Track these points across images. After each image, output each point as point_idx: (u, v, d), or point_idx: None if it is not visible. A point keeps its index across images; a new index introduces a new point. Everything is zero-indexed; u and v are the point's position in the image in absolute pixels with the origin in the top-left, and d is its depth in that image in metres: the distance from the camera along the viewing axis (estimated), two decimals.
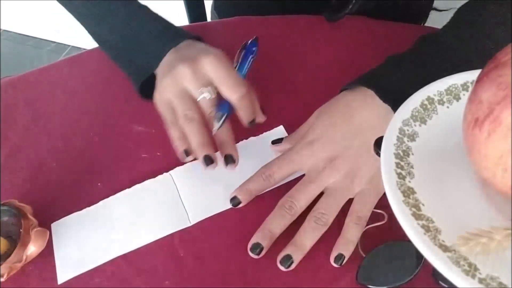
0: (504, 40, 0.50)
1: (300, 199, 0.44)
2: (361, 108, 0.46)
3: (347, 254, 0.42)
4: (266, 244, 0.42)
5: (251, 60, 0.52)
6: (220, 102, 0.47)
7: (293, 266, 0.42)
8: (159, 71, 0.49)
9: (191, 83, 0.46)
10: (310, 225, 0.43)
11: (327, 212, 0.43)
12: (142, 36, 0.51)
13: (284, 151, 0.48)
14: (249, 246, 0.43)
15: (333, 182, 0.44)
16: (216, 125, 0.46)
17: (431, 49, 0.48)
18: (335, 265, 0.42)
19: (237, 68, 0.51)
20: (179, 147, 0.47)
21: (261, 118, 0.51)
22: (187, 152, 0.47)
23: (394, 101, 0.44)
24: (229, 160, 0.47)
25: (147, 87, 0.50)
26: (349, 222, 0.43)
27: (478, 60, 0.45)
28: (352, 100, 0.47)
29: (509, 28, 0.47)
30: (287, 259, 0.42)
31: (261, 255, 0.42)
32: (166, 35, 0.51)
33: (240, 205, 0.46)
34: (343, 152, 0.45)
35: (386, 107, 0.45)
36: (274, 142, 0.50)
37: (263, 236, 0.43)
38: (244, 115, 0.47)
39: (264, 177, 0.45)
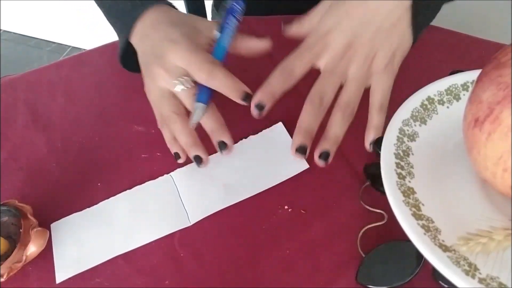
0: None
1: (327, 91, 0.43)
2: None
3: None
4: (308, 143, 0.42)
5: (235, 23, 0.48)
6: (198, 90, 0.45)
7: (330, 159, 0.43)
8: (141, 59, 0.49)
9: (166, 81, 0.45)
10: (338, 117, 0.43)
11: (351, 101, 0.43)
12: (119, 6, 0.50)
13: (295, 34, 0.47)
14: (294, 150, 0.42)
15: (352, 71, 0.44)
16: (192, 118, 0.44)
17: None
18: (369, 149, 0.44)
19: (220, 35, 0.48)
20: (170, 149, 0.47)
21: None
22: (177, 155, 0.47)
23: None
24: (222, 146, 0.46)
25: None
26: (374, 113, 0.44)
27: None
28: None
29: None
30: (325, 154, 0.42)
31: (306, 155, 0.43)
32: (134, 7, 0.49)
33: (265, 110, 0.44)
34: (360, 39, 0.44)
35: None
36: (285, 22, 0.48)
37: (304, 136, 0.42)
38: (228, 92, 0.44)
39: (286, 74, 0.44)
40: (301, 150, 0.42)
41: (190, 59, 0.44)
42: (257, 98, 0.43)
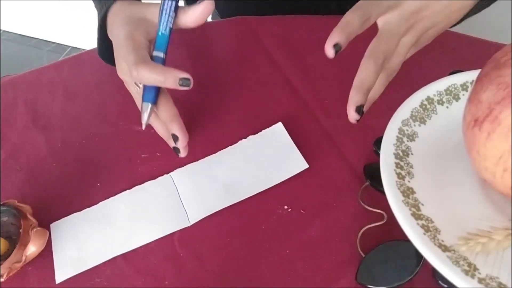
0: None
1: (390, 50, 0.41)
2: None
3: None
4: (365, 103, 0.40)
5: (171, 5, 0.44)
6: (143, 90, 0.44)
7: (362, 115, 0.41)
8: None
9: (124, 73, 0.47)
10: (383, 79, 0.43)
11: (397, 67, 0.43)
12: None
13: None
14: (353, 109, 0.40)
15: (408, 38, 0.42)
16: (143, 118, 0.44)
17: None
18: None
19: (160, 14, 0.44)
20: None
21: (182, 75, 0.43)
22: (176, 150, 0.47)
23: None
24: (174, 138, 0.46)
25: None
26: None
27: None
28: None
29: None
30: (360, 108, 0.40)
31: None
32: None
33: (341, 49, 0.41)
34: (428, 9, 0.42)
35: None
36: None
37: (365, 95, 0.40)
38: (162, 85, 0.43)
39: (363, 18, 0.40)
40: (359, 109, 0.40)
41: (127, 63, 0.44)
42: (334, 38, 0.40)
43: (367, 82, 0.40)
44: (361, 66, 0.40)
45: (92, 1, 0.54)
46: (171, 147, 0.47)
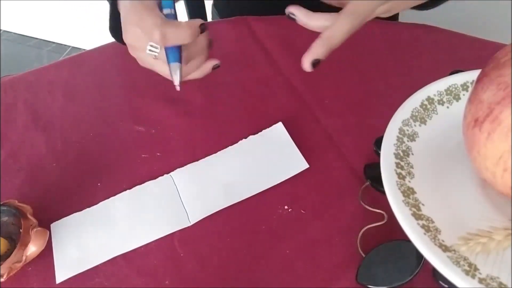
0: None
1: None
2: None
3: None
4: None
5: None
6: (166, 51, 0.43)
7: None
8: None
9: (140, 45, 0.44)
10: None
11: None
12: None
13: None
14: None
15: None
16: (175, 79, 0.43)
17: None
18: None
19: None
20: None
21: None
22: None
23: None
24: (216, 66, 0.45)
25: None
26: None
27: None
28: None
29: None
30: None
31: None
32: None
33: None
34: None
35: None
36: None
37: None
38: (184, 41, 0.42)
39: (348, 33, 0.39)
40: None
41: (142, 27, 0.42)
42: (314, 54, 0.39)
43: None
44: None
45: None
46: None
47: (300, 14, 0.42)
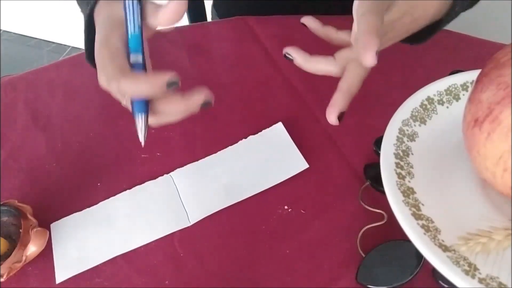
0: None
1: None
2: None
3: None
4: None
5: (133, 4, 0.39)
6: (131, 101, 0.39)
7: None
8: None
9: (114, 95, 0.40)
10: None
11: None
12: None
13: None
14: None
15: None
16: (139, 134, 0.39)
17: None
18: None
19: (124, 13, 0.39)
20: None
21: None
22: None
23: None
24: (207, 106, 0.39)
25: None
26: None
27: None
28: None
29: None
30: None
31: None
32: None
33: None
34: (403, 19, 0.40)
35: None
36: None
37: None
38: (149, 95, 0.38)
39: (361, 77, 0.39)
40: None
41: (106, 76, 0.39)
42: (338, 107, 0.39)
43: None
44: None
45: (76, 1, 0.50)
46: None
47: (298, 57, 0.42)
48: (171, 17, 0.39)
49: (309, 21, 0.45)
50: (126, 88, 0.37)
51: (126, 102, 0.39)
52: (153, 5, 0.40)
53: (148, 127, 0.40)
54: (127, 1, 0.38)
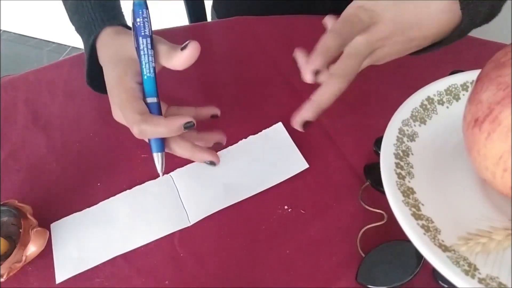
0: None
1: (348, 74, 0.40)
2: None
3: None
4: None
5: (147, 41, 0.40)
6: (149, 140, 0.42)
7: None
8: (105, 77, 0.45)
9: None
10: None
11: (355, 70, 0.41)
12: (80, 24, 0.49)
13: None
14: (299, 122, 0.41)
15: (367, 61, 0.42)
16: (158, 168, 0.42)
17: None
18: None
19: (139, 55, 0.41)
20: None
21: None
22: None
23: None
24: (212, 164, 0.44)
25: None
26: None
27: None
28: None
29: None
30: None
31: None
32: (87, 30, 0.47)
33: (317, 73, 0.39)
34: (399, 37, 0.41)
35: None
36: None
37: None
38: (164, 135, 0.41)
39: (341, 42, 0.38)
40: (305, 125, 0.41)
41: (123, 117, 0.42)
42: (314, 64, 0.38)
43: (325, 102, 0.40)
44: (327, 85, 0.40)
45: (75, 28, 0.51)
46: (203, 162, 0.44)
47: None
48: (185, 62, 0.41)
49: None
50: (147, 132, 0.40)
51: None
52: (165, 46, 0.41)
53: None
54: (141, 45, 0.40)
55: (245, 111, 0.54)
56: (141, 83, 0.41)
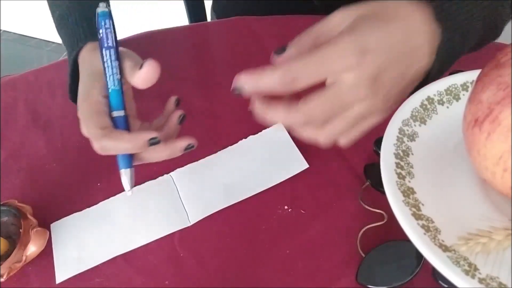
0: None
1: (320, 118, 0.35)
2: (420, 29, 0.36)
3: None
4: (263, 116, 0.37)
5: (110, 52, 0.39)
6: (116, 157, 0.40)
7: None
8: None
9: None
10: (316, 135, 0.36)
11: (338, 134, 0.37)
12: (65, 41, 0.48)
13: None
14: (249, 109, 0.38)
15: (362, 107, 0.36)
16: (125, 185, 0.40)
17: None
18: None
19: (104, 70, 0.39)
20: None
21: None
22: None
23: (450, 35, 0.36)
24: (188, 148, 0.41)
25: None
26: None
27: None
28: (411, 13, 0.36)
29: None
30: None
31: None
32: (71, 45, 0.46)
33: (243, 95, 0.38)
34: (389, 77, 0.35)
35: (438, 40, 0.36)
36: (277, 52, 0.38)
37: (265, 115, 0.37)
38: (131, 152, 0.40)
39: (283, 80, 0.34)
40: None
41: (88, 135, 0.40)
42: (238, 81, 0.37)
43: (274, 116, 0.37)
44: (284, 110, 0.36)
45: (62, 41, 0.50)
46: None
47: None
48: (144, 82, 0.39)
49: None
50: (108, 147, 0.39)
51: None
52: (130, 62, 0.39)
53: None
54: (104, 57, 0.38)
55: (245, 111, 0.54)
56: (107, 97, 0.40)
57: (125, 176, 0.40)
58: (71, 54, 0.45)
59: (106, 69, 0.39)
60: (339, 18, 0.39)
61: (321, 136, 0.37)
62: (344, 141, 0.37)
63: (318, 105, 0.35)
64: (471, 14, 0.37)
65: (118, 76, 0.39)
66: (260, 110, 0.37)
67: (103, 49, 0.38)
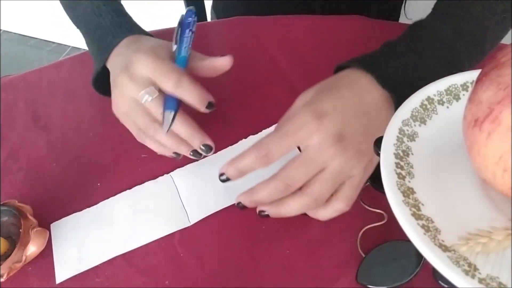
0: (499, 38, 0.49)
1: (299, 180, 0.40)
2: (367, 88, 0.42)
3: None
4: (248, 205, 0.42)
5: (191, 34, 0.48)
6: (166, 98, 0.44)
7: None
8: (111, 75, 0.49)
9: (133, 90, 0.44)
10: (300, 202, 0.40)
11: (323, 196, 0.40)
12: (96, 33, 0.51)
13: None
14: (236, 203, 0.42)
15: (335, 164, 0.40)
16: (165, 127, 0.43)
17: (428, 39, 0.46)
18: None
19: (177, 49, 0.47)
20: (165, 153, 0.47)
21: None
22: (176, 154, 0.47)
23: (393, 89, 0.42)
24: (207, 150, 0.46)
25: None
26: (335, 201, 0.41)
27: (473, 58, 0.45)
28: (356, 79, 0.43)
29: (508, 25, 0.47)
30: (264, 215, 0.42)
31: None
32: (112, 32, 0.50)
33: (230, 181, 0.42)
34: (353, 132, 0.41)
35: (386, 94, 0.43)
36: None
37: (251, 203, 0.41)
38: (193, 102, 0.44)
39: (258, 157, 0.40)
40: (240, 206, 0.42)
41: (156, 68, 0.44)
42: (223, 169, 0.42)
43: (260, 196, 0.41)
44: (264, 181, 0.41)
45: (88, 42, 0.53)
46: (170, 155, 0.47)
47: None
48: (215, 70, 0.47)
49: None
50: (186, 86, 0.43)
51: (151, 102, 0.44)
52: (198, 53, 0.48)
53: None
54: (186, 33, 0.48)
55: (245, 111, 0.54)
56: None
57: (168, 117, 0.43)
58: (112, 40, 0.49)
59: (182, 40, 0.47)
60: (299, 99, 0.45)
61: (309, 202, 0.40)
62: (340, 204, 0.41)
63: (294, 168, 0.40)
64: (402, 70, 0.44)
65: (190, 50, 0.47)
66: (246, 198, 0.42)
67: (186, 30, 0.48)
